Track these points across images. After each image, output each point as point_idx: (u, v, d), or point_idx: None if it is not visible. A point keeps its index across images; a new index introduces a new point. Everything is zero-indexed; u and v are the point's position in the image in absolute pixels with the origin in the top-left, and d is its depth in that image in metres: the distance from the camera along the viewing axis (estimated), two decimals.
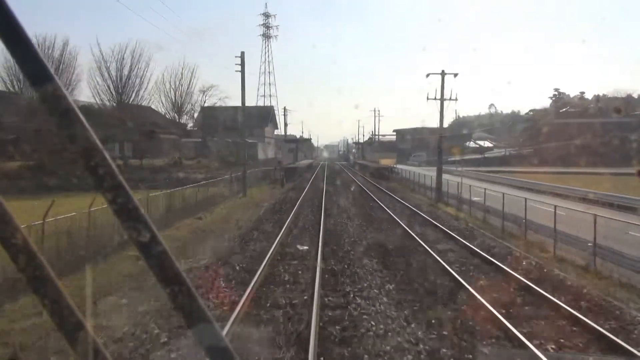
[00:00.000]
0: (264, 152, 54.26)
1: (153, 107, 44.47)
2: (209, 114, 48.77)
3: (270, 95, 79.06)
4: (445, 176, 26.88)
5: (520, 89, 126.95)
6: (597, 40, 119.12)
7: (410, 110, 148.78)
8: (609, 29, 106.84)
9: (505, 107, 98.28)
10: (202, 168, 35.42)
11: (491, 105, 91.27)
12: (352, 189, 29.33)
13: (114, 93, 39.49)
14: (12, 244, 0.67)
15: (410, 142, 71.70)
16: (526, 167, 40.60)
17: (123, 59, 39.43)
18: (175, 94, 45.14)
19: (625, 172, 26.52)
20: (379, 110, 75.01)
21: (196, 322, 0.68)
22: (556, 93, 73.23)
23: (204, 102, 48.21)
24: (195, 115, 48.87)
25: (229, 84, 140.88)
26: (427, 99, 24.00)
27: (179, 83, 45.50)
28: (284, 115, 68.40)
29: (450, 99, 24.19)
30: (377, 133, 77.54)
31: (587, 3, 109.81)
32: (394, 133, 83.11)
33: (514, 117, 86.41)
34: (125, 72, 39.62)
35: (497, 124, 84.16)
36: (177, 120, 46.06)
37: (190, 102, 47.64)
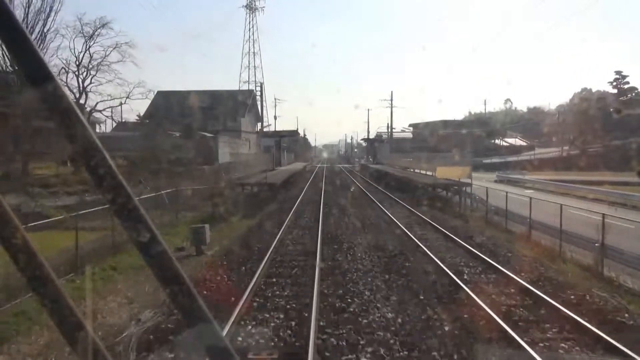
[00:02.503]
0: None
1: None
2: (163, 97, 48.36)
3: (255, 82, 77.77)
4: (526, 193, 21.67)
5: (534, 85, 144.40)
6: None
7: (411, 109, 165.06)
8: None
9: (518, 103, 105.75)
10: (75, 184, 23.84)
11: (507, 100, 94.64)
12: None
13: None
14: (12, 243, 0.86)
15: (434, 139, 71.12)
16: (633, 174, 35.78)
17: None
18: None
19: None
20: (391, 99, 74.78)
21: (196, 322, 0.87)
22: (618, 77, 72.38)
23: (87, 48, 31.32)
24: (69, 78, 32.69)
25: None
26: None
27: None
28: (261, 94, 63.11)
29: None
30: (387, 128, 76.76)
31: None
32: (410, 128, 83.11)
33: (534, 112, 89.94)
34: None
35: (517, 120, 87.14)
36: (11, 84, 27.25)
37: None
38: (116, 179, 0.87)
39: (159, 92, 51.20)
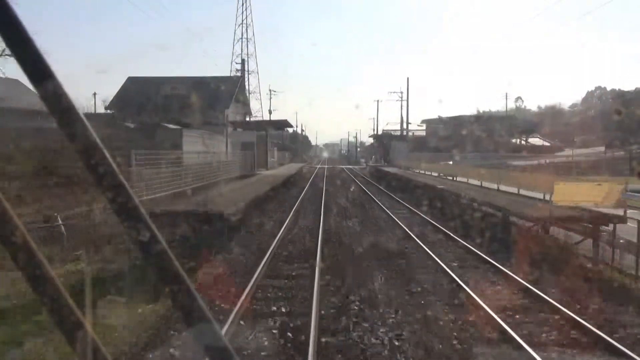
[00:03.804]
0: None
1: None
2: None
3: (248, 71, 76.19)
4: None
5: (542, 84, 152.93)
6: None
7: (412, 108, 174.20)
8: None
9: (527, 102, 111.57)
10: None
11: (518, 98, 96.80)
12: None
13: None
14: (12, 242, 0.98)
15: (454, 136, 69.66)
16: None
17: None
18: None
19: None
20: (401, 93, 73.95)
21: (196, 321, 0.99)
22: None
23: None
24: None
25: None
26: None
27: None
28: (242, 71, 61.16)
29: None
30: (403, 123, 74.69)
31: None
32: (422, 124, 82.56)
33: (547, 112, 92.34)
34: None
35: (530, 119, 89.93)
36: None
37: None
38: (116, 178, 1.00)
39: (129, 78, 50.78)
